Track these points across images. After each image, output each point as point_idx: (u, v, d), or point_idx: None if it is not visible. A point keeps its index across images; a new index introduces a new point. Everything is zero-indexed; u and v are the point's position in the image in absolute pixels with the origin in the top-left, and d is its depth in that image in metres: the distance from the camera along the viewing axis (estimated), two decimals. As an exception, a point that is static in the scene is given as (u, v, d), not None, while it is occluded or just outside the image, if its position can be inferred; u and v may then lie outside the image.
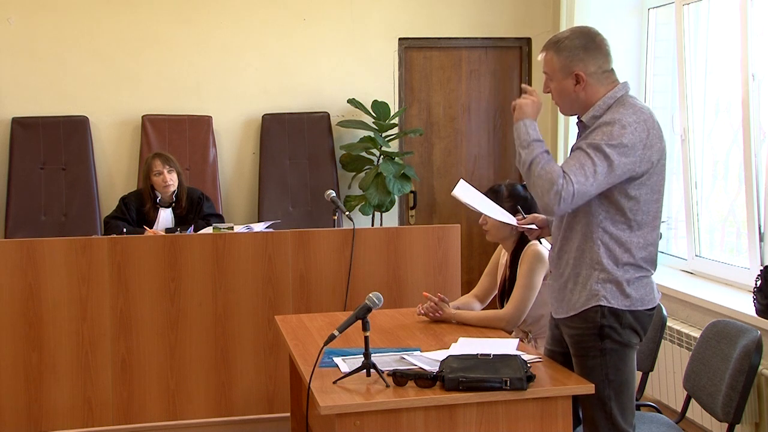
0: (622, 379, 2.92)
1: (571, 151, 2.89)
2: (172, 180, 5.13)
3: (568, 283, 2.96)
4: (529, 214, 3.42)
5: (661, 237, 5.19)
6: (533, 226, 3.34)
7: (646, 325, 2.96)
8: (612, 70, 2.96)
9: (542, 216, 3.27)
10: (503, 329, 3.60)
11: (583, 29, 2.98)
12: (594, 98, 2.92)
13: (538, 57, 3.03)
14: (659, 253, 5.38)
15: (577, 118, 3.00)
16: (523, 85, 3.06)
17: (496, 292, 3.89)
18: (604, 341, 2.89)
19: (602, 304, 2.88)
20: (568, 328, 2.98)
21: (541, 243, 3.56)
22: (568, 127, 5.81)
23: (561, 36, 2.96)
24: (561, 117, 5.94)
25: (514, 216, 3.48)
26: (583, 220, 2.91)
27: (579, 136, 3.00)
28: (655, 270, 2.97)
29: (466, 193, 3.50)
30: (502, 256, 3.89)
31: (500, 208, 3.55)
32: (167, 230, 5.00)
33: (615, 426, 2.92)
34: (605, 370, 2.90)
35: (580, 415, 3.06)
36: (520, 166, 2.91)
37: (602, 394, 2.89)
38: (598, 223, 2.88)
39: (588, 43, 2.91)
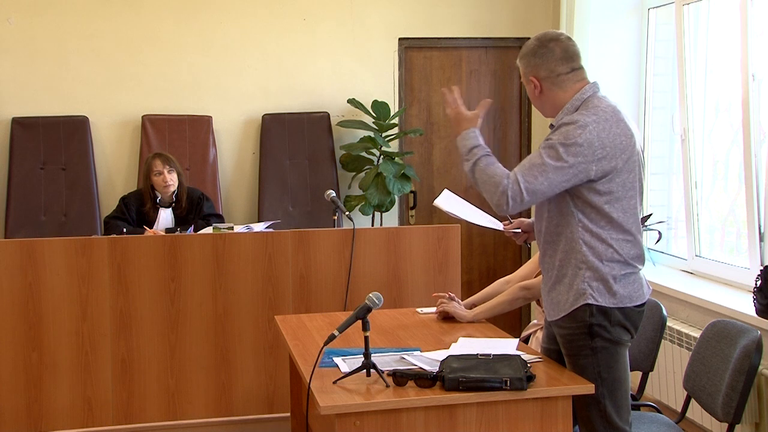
0: (614, 376, 2.93)
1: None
2: (172, 180, 5.13)
3: (556, 285, 2.99)
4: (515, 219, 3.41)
5: (660, 237, 5.25)
6: (519, 231, 3.33)
7: (637, 322, 2.98)
8: (575, 71, 2.96)
9: (528, 220, 3.27)
10: (527, 298, 3.61)
11: (540, 35, 3.02)
12: (560, 101, 2.97)
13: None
14: (660, 253, 5.44)
15: (551, 123, 3.04)
16: (443, 89, 3.09)
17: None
18: (594, 340, 2.91)
19: (590, 302, 2.90)
20: (559, 328, 3.00)
21: (529, 246, 3.55)
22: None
23: (525, 44, 3.04)
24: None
25: (501, 221, 3.48)
26: (563, 221, 2.94)
27: None
28: (642, 265, 2.99)
29: (448, 202, 3.52)
30: None
31: (486, 214, 3.56)
32: (167, 230, 5.00)
33: (611, 424, 2.93)
34: (597, 368, 2.92)
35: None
36: (469, 177, 2.97)
37: (596, 392, 2.90)
38: (578, 222, 2.90)
39: (538, 49, 2.96)
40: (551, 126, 3.01)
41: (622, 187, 2.88)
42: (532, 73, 2.96)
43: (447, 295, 3.81)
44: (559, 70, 2.95)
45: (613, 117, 2.88)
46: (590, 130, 2.82)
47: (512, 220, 3.37)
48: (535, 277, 3.74)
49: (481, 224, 3.49)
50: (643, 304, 2.98)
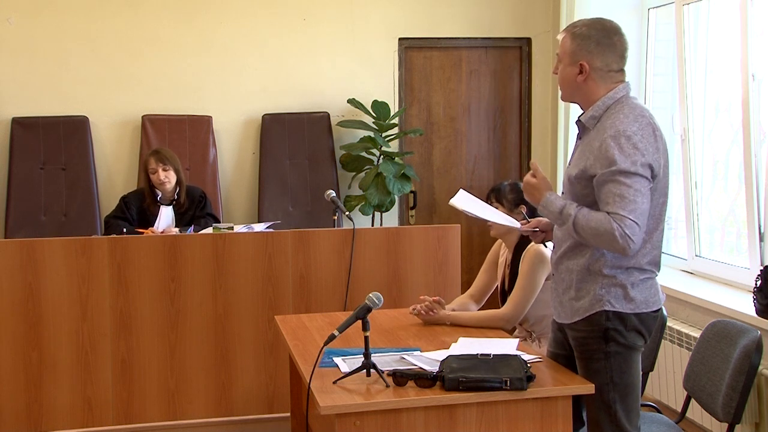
0: (626, 381, 2.90)
1: (597, 184, 2.80)
2: (167, 178, 5.07)
3: (570, 290, 2.94)
4: (532, 217, 3.34)
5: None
6: (537, 230, 3.26)
7: (651, 327, 2.94)
8: (621, 71, 2.93)
9: (546, 219, 3.18)
10: (502, 328, 3.60)
11: (606, 23, 2.93)
12: (594, 95, 2.91)
13: (558, 36, 3.01)
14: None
15: (577, 117, 2.99)
16: (532, 162, 3.03)
17: (498, 287, 3.85)
18: (608, 344, 2.87)
19: (606, 308, 2.86)
20: (573, 331, 2.97)
21: (546, 246, 3.50)
22: (568, 128, 5.81)
23: (581, 22, 2.94)
24: (561, 118, 5.94)
25: (519, 220, 3.44)
26: None
27: (578, 136, 3.00)
28: (659, 271, 2.95)
29: (465, 201, 3.49)
30: (502, 254, 3.87)
31: (502, 213, 3.54)
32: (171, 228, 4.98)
33: (620, 429, 2.90)
34: (610, 373, 2.88)
35: (584, 418, 3.05)
36: (576, 238, 2.87)
37: (607, 396, 2.88)
38: None
39: (602, 39, 2.89)
40: (578, 123, 2.96)
41: (658, 194, 2.85)
42: (585, 59, 2.88)
43: (434, 299, 3.70)
44: (613, 66, 2.90)
45: (651, 120, 2.85)
46: (640, 137, 2.77)
47: (529, 219, 3.31)
48: (502, 304, 3.71)
49: (498, 222, 3.47)
50: (658, 310, 2.94)
